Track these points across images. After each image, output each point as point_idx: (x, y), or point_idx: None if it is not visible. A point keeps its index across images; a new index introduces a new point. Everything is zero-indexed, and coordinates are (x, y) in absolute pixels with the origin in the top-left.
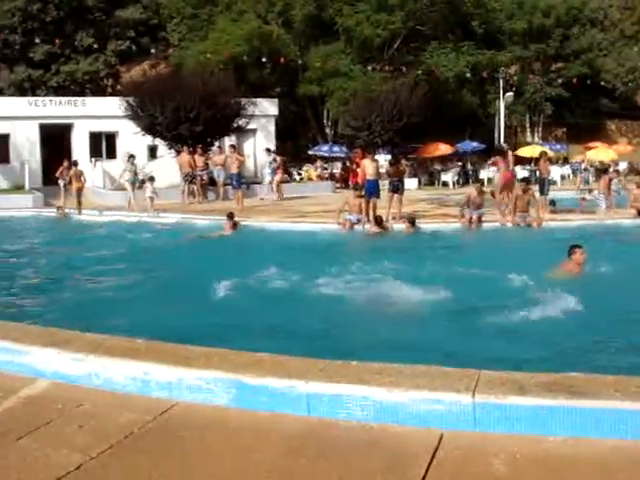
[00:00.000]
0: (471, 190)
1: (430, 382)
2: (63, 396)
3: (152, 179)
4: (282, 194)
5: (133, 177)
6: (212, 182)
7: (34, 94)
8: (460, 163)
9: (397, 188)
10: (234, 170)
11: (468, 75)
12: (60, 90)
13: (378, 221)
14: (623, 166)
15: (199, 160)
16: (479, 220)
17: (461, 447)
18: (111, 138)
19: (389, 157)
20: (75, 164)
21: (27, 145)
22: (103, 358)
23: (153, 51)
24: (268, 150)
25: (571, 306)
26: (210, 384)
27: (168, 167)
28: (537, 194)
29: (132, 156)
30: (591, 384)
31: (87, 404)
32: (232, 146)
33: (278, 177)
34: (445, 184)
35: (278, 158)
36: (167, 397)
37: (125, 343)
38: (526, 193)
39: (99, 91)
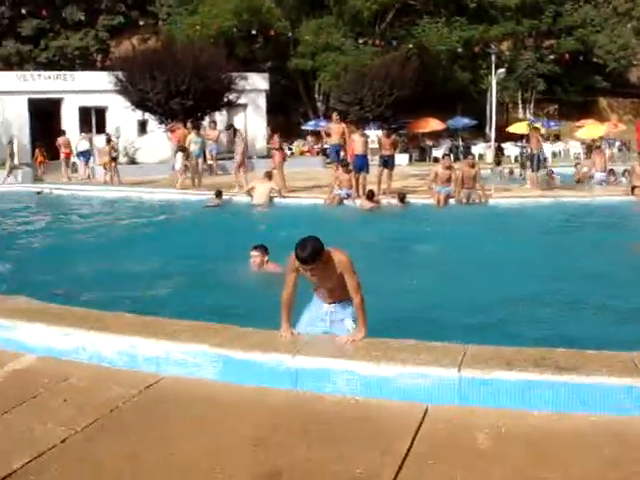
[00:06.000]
0: (437, 167)
1: (416, 356)
2: (49, 371)
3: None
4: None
5: (198, 150)
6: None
7: (22, 69)
8: (451, 139)
9: (387, 163)
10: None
11: (460, 50)
12: (49, 65)
13: (370, 196)
14: (617, 143)
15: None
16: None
17: (446, 421)
18: (101, 113)
19: (379, 132)
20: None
21: (16, 120)
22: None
23: (142, 24)
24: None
25: None
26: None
27: (158, 142)
28: (529, 171)
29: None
30: (577, 359)
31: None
32: (213, 122)
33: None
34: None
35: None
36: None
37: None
38: (473, 167)
39: (89, 66)
